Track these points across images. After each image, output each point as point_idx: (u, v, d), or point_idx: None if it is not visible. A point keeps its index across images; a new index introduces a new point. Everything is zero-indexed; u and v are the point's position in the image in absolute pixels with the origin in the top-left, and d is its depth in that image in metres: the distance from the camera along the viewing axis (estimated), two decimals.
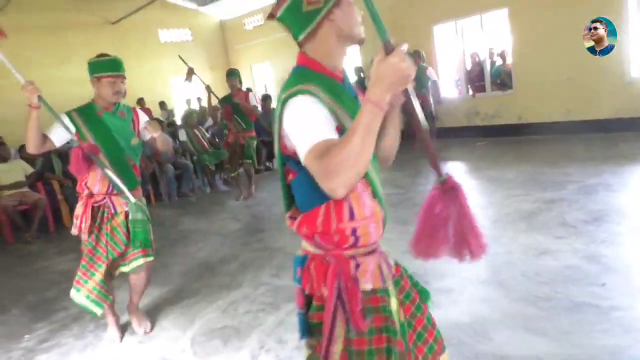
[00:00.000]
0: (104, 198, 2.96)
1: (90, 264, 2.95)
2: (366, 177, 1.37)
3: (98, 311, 3.01)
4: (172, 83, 14.15)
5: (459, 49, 9.48)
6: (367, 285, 1.38)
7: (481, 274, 3.36)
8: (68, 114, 2.88)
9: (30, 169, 6.81)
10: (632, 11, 7.08)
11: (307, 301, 1.44)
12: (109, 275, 3.01)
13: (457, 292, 3.17)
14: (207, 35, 14.84)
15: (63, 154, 7.03)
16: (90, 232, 2.93)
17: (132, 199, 2.90)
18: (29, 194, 6.56)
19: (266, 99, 9.89)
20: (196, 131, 8.39)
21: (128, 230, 2.98)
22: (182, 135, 8.36)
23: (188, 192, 8.00)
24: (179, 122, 11.53)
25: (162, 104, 12.65)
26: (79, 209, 2.95)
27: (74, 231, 2.95)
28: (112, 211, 2.97)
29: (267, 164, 9.64)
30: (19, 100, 10.74)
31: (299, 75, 1.36)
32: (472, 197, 4.43)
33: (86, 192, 2.95)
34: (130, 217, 2.95)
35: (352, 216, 1.34)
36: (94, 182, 2.93)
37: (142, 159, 7.72)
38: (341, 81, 1.43)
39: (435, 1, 9.15)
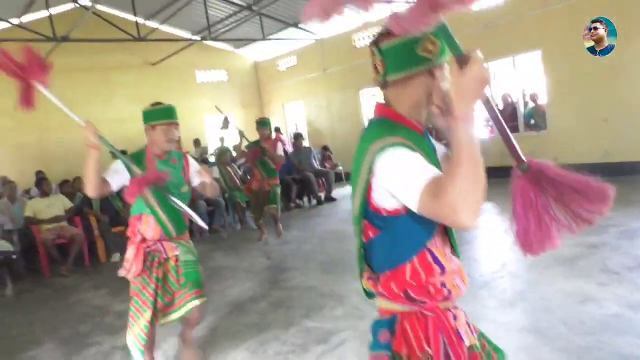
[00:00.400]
0: (156, 243, 2.95)
1: (137, 308, 2.91)
2: (446, 232, 1.36)
3: (138, 358, 2.95)
4: (206, 121, 14.55)
5: (492, 89, 9.47)
6: (465, 340, 1.32)
7: (519, 321, 3.23)
8: (121, 159, 2.87)
9: (69, 204, 7.04)
10: None
11: None
12: (153, 322, 2.94)
13: (494, 339, 3.04)
14: (242, 75, 15.31)
15: None
16: (138, 276, 2.90)
17: (194, 216, 2.90)
18: (66, 228, 6.76)
19: (298, 137, 10.03)
20: (229, 168, 8.55)
21: (177, 276, 2.97)
22: (215, 172, 8.51)
23: (219, 228, 8.08)
24: (211, 159, 11.79)
25: (197, 141, 12.98)
26: (130, 253, 2.92)
27: (122, 273, 2.94)
28: (164, 256, 2.96)
29: (298, 201, 9.67)
30: (62, 138, 11.23)
31: (384, 126, 1.31)
32: (506, 240, 4.32)
33: (139, 237, 2.93)
34: (182, 259, 2.96)
35: (442, 270, 1.31)
36: (147, 228, 2.92)
37: None
38: (422, 133, 1.38)
39: (466, 43, 9.10)
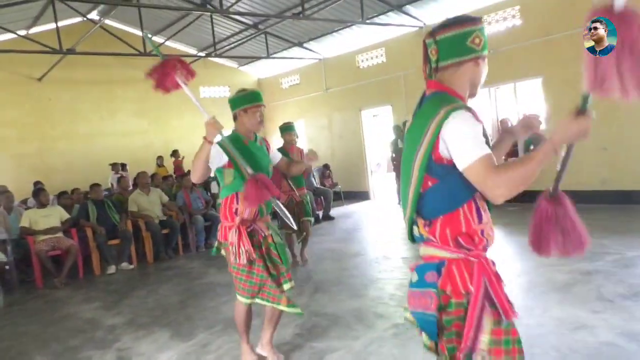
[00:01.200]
0: (251, 225, 3.10)
1: (246, 275, 3.07)
2: None
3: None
4: None
5: (492, 114, 9.55)
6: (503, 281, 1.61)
7: None
8: (219, 143, 2.93)
9: (66, 215, 7.03)
10: None
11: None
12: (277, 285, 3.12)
13: None
14: None
15: (98, 202, 7.25)
16: (252, 255, 3.02)
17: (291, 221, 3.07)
18: (62, 239, 6.74)
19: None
20: None
21: (277, 253, 3.19)
22: (214, 188, 8.53)
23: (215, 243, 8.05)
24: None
25: None
26: (232, 237, 3.02)
27: (232, 259, 3.04)
28: (262, 235, 3.15)
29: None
30: (63, 149, 11.32)
31: (446, 97, 1.57)
32: (502, 265, 4.31)
33: (237, 219, 3.04)
34: (276, 240, 3.18)
35: (480, 219, 1.60)
36: (244, 208, 3.03)
37: (174, 210, 7.87)
38: None
39: None
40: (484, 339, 1.54)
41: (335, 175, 11.81)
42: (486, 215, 1.63)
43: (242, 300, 3.15)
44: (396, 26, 10.36)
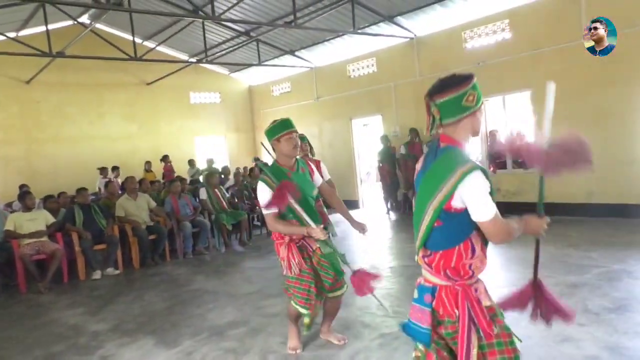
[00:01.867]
0: (300, 241, 3.37)
1: (301, 284, 3.36)
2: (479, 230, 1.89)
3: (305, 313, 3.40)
4: (197, 142, 14.60)
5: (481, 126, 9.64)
6: (486, 302, 1.91)
7: None
8: (263, 180, 3.25)
9: (52, 219, 6.94)
10: None
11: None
12: (318, 293, 3.45)
13: None
14: (236, 98, 15.44)
15: (85, 206, 7.17)
16: (302, 266, 3.32)
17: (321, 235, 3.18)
18: (47, 243, 6.64)
19: None
20: (217, 190, 8.53)
21: (326, 265, 3.43)
22: (203, 194, 8.49)
23: (203, 250, 8.01)
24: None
25: (191, 162, 13.05)
26: (283, 252, 3.34)
27: (286, 272, 3.35)
28: (311, 249, 3.40)
29: None
30: (50, 152, 11.22)
31: (459, 154, 1.86)
32: (490, 276, 4.34)
33: (287, 239, 3.33)
34: (324, 251, 3.40)
35: (473, 254, 1.88)
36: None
37: (161, 215, 7.83)
38: None
39: None
40: (474, 352, 1.85)
41: None
42: (479, 250, 1.90)
43: (301, 311, 3.41)
44: (387, 37, 10.44)
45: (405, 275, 5.63)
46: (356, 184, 12.35)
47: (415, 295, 2.02)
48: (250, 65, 13.33)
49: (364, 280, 3.08)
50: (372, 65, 11.52)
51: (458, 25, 9.43)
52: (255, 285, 5.84)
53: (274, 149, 3.40)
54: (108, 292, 6.13)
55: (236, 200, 9.12)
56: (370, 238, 8.40)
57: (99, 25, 11.95)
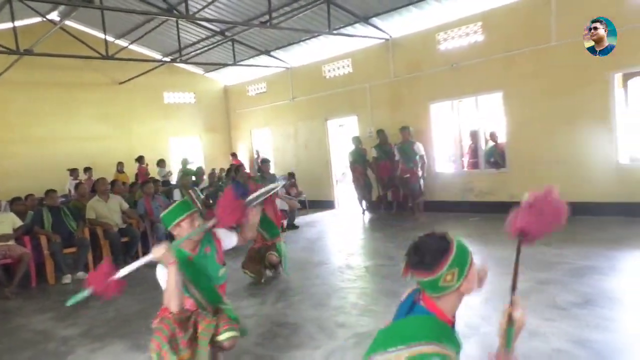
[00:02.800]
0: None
1: None
2: None
3: None
4: (171, 142, 14.42)
5: (455, 125, 9.78)
6: None
7: (470, 353, 3.26)
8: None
9: (19, 222, 6.72)
10: (618, 102, 7.42)
11: None
12: None
13: None
14: (211, 98, 15.30)
15: (54, 209, 7.00)
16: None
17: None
18: (14, 247, 6.43)
19: (265, 162, 9.83)
20: (191, 192, 8.43)
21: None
22: (177, 195, 8.39)
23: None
24: (174, 181, 11.61)
25: (160, 162, 12.75)
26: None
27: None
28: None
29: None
30: (17, 153, 10.90)
31: (432, 325, 1.69)
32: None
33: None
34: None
35: None
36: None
37: (134, 218, 7.69)
38: (452, 326, 1.77)
39: (433, 81, 9.57)
40: None
41: (300, 184, 11.81)
42: None
43: None
44: (362, 37, 10.50)
45: (380, 275, 5.67)
46: (332, 185, 12.37)
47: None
48: (225, 65, 13.22)
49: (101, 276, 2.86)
50: (348, 65, 11.56)
51: (432, 27, 9.54)
52: (230, 286, 5.78)
53: (174, 235, 3.05)
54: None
55: (210, 202, 9.02)
56: (345, 238, 8.44)
57: (68, 22, 11.69)
